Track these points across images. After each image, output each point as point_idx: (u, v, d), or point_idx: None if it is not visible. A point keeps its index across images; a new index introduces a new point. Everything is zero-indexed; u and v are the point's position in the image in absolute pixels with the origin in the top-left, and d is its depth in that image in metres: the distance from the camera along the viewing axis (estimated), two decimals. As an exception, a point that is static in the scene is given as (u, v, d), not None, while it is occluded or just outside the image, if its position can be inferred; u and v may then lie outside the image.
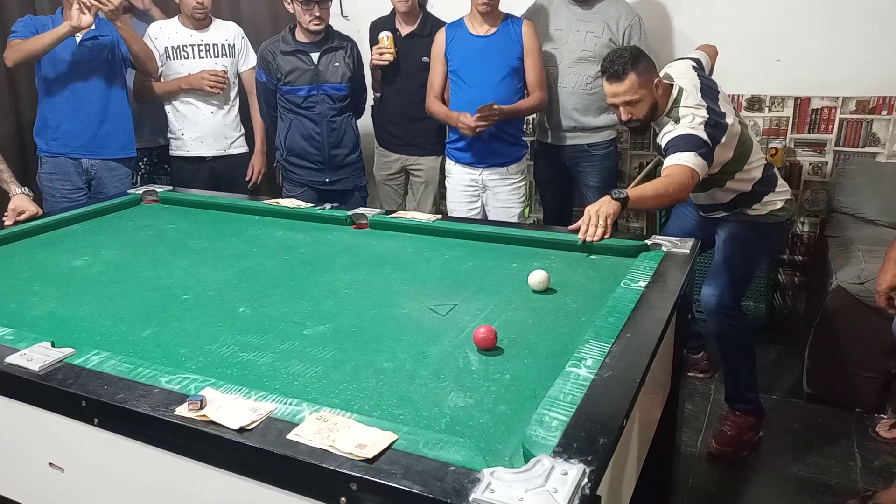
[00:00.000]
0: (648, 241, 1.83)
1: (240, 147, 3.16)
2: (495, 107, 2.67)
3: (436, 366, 1.30)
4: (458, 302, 1.58)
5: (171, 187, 2.70)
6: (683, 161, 2.02)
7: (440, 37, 2.86)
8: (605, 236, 1.87)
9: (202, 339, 1.44)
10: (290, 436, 1.02)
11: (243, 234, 2.18)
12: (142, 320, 1.54)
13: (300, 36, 2.82)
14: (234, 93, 3.10)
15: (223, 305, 1.62)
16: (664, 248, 1.78)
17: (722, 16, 3.23)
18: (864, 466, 2.33)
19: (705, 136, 2.07)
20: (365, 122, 3.30)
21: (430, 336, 1.42)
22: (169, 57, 2.96)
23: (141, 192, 2.58)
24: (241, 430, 1.04)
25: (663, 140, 2.16)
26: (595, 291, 1.61)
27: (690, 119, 2.11)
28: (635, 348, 1.27)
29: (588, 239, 1.87)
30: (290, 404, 1.11)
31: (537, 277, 1.63)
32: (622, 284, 1.55)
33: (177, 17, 2.99)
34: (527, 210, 3.21)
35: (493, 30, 2.78)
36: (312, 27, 2.73)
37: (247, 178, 3.20)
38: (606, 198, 1.93)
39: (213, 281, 1.78)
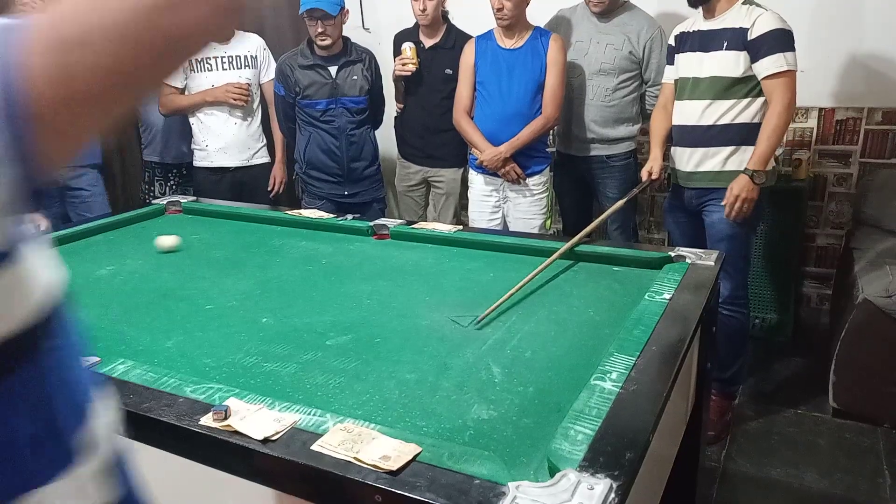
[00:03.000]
0: (672, 253, 1.81)
1: (262, 157, 3.19)
2: (501, 151, 2.74)
3: (458, 377, 1.29)
4: (479, 313, 1.58)
5: (194, 198, 2.73)
6: (790, 65, 2.26)
7: (469, 48, 2.86)
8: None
9: (226, 349, 1.45)
10: (315, 447, 1.02)
11: (265, 244, 2.19)
12: (166, 330, 1.55)
13: (318, 49, 2.84)
14: (256, 103, 3.13)
15: (246, 315, 1.63)
16: (688, 261, 1.76)
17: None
18: (894, 484, 2.28)
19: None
20: (386, 134, 3.31)
21: (453, 347, 1.42)
22: (192, 69, 3.00)
23: (165, 202, 2.61)
24: (266, 440, 1.04)
25: (758, 29, 2.26)
26: (618, 304, 1.60)
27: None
28: (661, 361, 1.25)
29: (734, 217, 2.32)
30: (314, 415, 1.11)
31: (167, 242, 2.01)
32: (646, 297, 1.54)
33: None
34: (549, 222, 3.20)
35: (521, 43, 2.79)
36: (319, 42, 2.75)
37: (269, 189, 3.22)
38: (746, 181, 2.29)
39: (236, 291, 1.79)
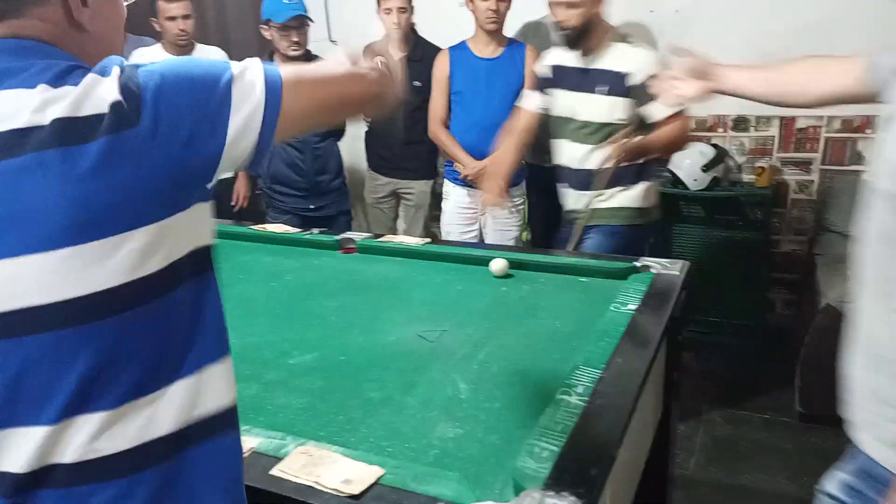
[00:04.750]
0: (638, 264, 1.82)
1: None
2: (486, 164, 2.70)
3: (424, 395, 1.28)
4: (447, 327, 1.57)
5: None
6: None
7: (443, 59, 2.84)
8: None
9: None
10: (274, 471, 1.00)
11: (229, 260, 2.15)
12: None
13: (281, 61, 2.81)
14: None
15: (208, 334, 1.59)
16: (653, 271, 1.77)
17: (704, 38, 3.25)
18: (860, 486, 2.31)
19: None
20: (353, 144, 3.29)
21: (419, 364, 1.40)
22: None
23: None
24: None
25: (641, 73, 2.19)
26: (585, 315, 1.60)
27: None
28: (626, 374, 1.25)
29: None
30: (274, 438, 1.09)
31: (498, 265, 1.82)
32: (612, 308, 1.54)
33: (160, 44, 2.98)
34: (524, 234, 3.20)
35: (500, 51, 2.77)
36: (291, 52, 2.71)
37: (232, 203, 3.17)
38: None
39: (199, 309, 1.75)
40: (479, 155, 2.75)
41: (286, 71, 0.78)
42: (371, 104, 0.99)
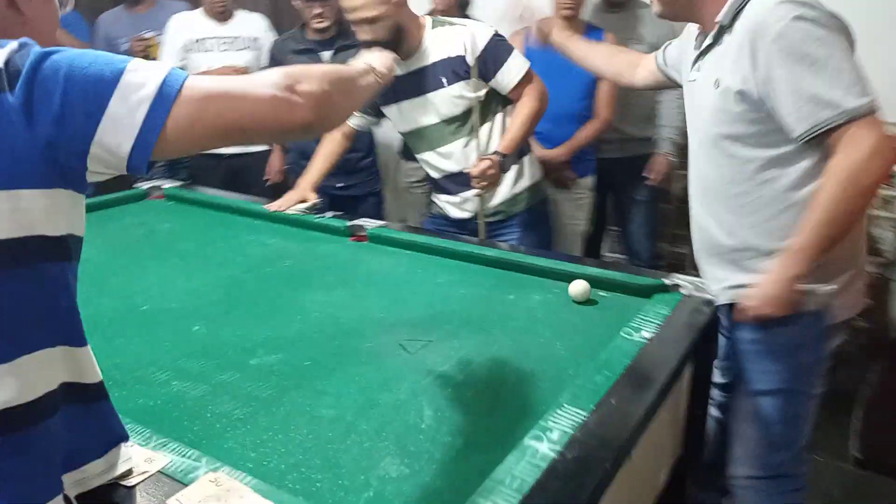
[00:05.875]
0: (667, 281, 1.59)
1: (259, 146, 3.04)
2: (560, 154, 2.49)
3: (381, 419, 1.11)
4: (433, 338, 1.39)
5: (180, 183, 2.59)
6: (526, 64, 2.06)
7: (516, 43, 2.61)
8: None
9: (140, 360, 1.30)
10: (171, 501, 0.86)
11: (235, 238, 2.04)
12: (86, 332, 1.40)
13: (311, 34, 2.67)
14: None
15: (179, 321, 1.48)
16: (683, 291, 1.54)
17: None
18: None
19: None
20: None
21: (389, 378, 1.24)
22: (190, 50, 2.86)
23: (147, 187, 2.49)
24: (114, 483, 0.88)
25: (476, 46, 2.00)
26: (593, 339, 1.39)
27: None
28: (616, 420, 1.05)
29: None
30: (188, 457, 0.95)
31: (578, 289, 1.56)
32: (621, 334, 1.33)
33: (200, 9, 2.89)
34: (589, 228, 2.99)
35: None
36: (315, 25, 2.57)
37: (265, 178, 3.08)
38: (494, 160, 2.01)
39: (182, 291, 1.64)
40: (549, 145, 2.58)
41: (200, 84, 0.75)
42: (294, 133, 0.84)
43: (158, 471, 0.91)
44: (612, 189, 2.91)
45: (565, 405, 1.07)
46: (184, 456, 0.95)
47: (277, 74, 0.80)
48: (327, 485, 0.94)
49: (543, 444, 0.97)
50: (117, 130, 0.70)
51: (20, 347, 0.72)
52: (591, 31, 2.57)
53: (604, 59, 1.94)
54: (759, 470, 1.54)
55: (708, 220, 1.50)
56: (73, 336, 0.79)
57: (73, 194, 0.73)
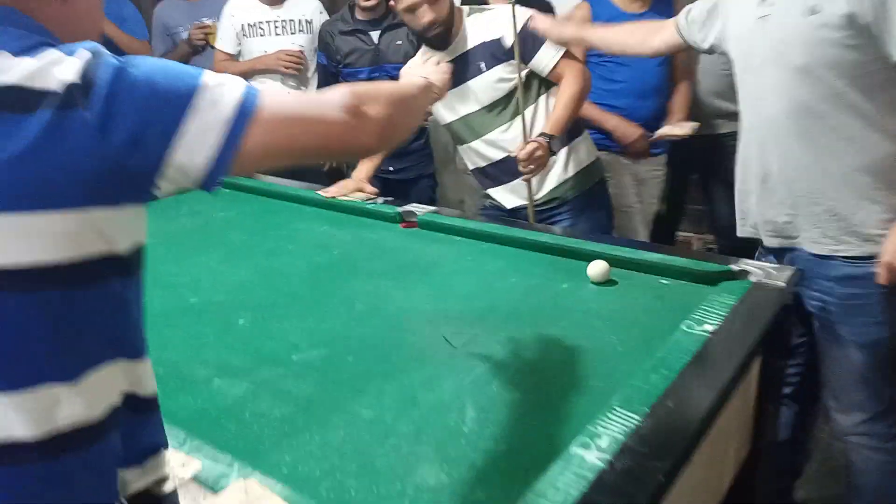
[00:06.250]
0: (734, 267, 1.47)
1: None
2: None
3: (421, 420, 1.06)
4: (479, 331, 1.33)
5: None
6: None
7: (581, 14, 2.46)
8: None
9: (185, 355, 1.29)
10: (200, 510, 0.83)
11: (285, 227, 2.03)
12: (136, 326, 1.41)
13: (359, 14, 2.61)
14: (311, 71, 2.95)
15: (225, 314, 1.47)
16: (752, 278, 1.42)
17: None
18: None
19: None
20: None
21: (431, 376, 1.19)
22: (245, 35, 2.86)
23: (202, 175, 2.50)
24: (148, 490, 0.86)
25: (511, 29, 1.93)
26: (652, 332, 1.29)
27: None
28: (674, 425, 0.97)
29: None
30: (220, 463, 0.92)
31: (597, 269, 1.51)
32: (682, 327, 1.23)
33: (255, -8, 2.88)
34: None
35: (647, 6, 2.39)
36: (363, 3, 2.52)
37: (322, 164, 3.07)
38: (542, 142, 1.92)
39: (230, 282, 1.64)
40: (636, 121, 2.44)
41: (275, 106, 0.72)
42: (356, 155, 0.87)
43: (192, 476, 0.89)
44: (696, 167, 2.72)
45: (617, 408, 0.99)
46: (217, 461, 0.92)
47: (345, 97, 0.77)
48: (361, 494, 0.90)
49: (591, 452, 0.90)
50: (192, 152, 0.67)
51: (84, 364, 0.70)
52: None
53: (625, 36, 1.89)
54: (879, 404, 1.52)
55: (791, 160, 1.46)
56: (135, 349, 0.77)
57: (137, 208, 0.70)
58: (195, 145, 0.67)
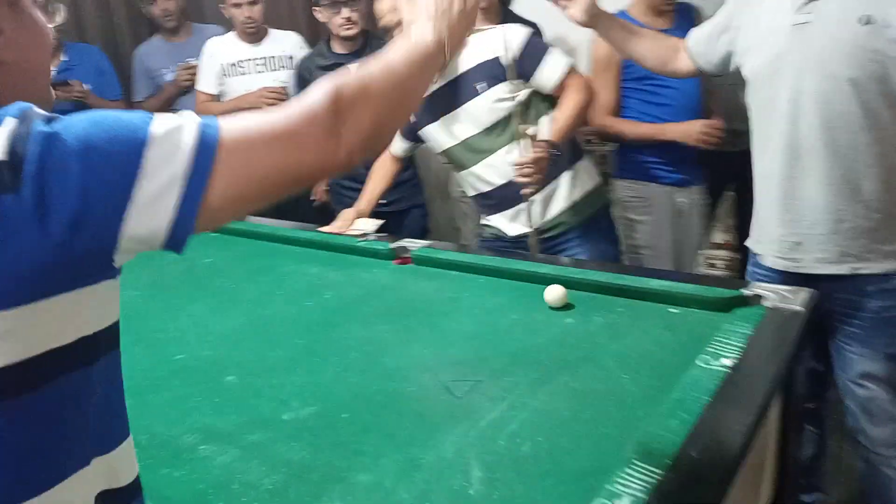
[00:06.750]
0: (747, 292, 1.40)
1: None
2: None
3: (424, 483, 0.98)
4: (482, 377, 1.25)
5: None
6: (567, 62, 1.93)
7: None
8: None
9: (169, 422, 1.20)
10: None
11: (273, 271, 1.95)
12: (117, 389, 1.33)
13: (336, 47, 2.56)
14: (296, 107, 2.91)
15: (212, 370, 1.38)
16: (766, 303, 1.35)
17: None
18: None
19: None
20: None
21: (433, 431, 1.10)
22: (226, 74, 2.81)
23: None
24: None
25: (511, 45, 1.88)
26: (666, 366, 1.22)
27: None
28: (702, 477, 0.88)
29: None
30: (205, 548, 0.83)
31: (554, 294, 1.47)
32: (698, 363, 1.15)
33: (233, 32, 2.83)
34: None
35: (672, 23, 2.24)
36: (343, 32, 2.46)
37: (312, 198, 3.00)
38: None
39: (217, 334, 1.56)
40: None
41: (239, 138, 0.63)
42: (337, 172, 0.73)
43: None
44: (732, 180, 2.57)
45: (635, 461, 0.91)
46: (200, 546, 0.84)
47: (322, 106, 0.67)
48: (360, 576, 0.82)
49: (612, 516, 0.82)
50: (149, 220, 0.58)
51: (50, 478, 0.61)
52: (682, 9, 2.30)
53: (647, 45, 1.78)
54: None
55: (821, 182, 1.42)
56: (108, 441, 0.67)
57: (95, 289, 0.60)
58: (151, 212, 0.58)
